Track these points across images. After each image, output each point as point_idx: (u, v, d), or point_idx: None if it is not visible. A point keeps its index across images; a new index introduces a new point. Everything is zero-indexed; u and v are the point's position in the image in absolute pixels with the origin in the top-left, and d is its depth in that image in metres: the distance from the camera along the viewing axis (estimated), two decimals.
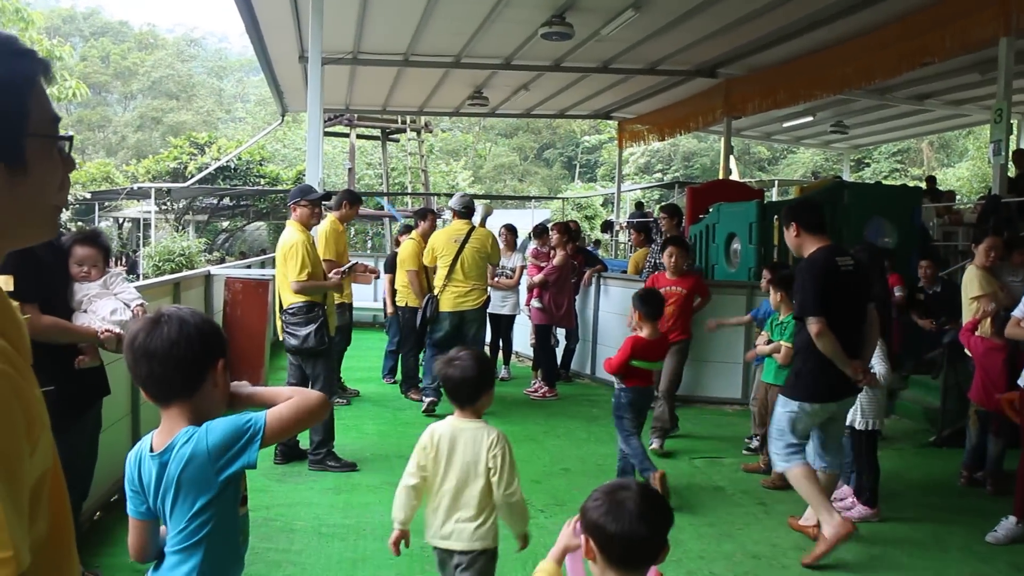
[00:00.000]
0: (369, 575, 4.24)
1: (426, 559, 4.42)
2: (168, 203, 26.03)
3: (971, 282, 6.14)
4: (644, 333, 5.42)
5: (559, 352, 9.73)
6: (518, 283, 9.43)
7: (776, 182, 24.17)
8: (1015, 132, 15.71)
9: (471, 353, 3.20)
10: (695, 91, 14.74)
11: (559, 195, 35.96)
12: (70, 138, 1.22)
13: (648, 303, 5.49)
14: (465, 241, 7.66)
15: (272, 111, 17.15)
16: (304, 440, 6.17)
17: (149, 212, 25.87)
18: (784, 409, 4.76)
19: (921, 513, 5.43)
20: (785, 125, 17.91)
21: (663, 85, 14.78)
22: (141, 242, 25.49)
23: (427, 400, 7.86)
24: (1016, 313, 4.98)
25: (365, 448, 6.61)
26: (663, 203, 20.07)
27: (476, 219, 8.29)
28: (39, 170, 1.14)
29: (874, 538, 4.95)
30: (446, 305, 7.70)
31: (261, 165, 28.07)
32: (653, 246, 8.84)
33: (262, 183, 26.71)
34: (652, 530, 1.91)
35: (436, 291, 7.78)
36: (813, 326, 4.52)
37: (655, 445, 6.67)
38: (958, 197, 16.60)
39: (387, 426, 7.46)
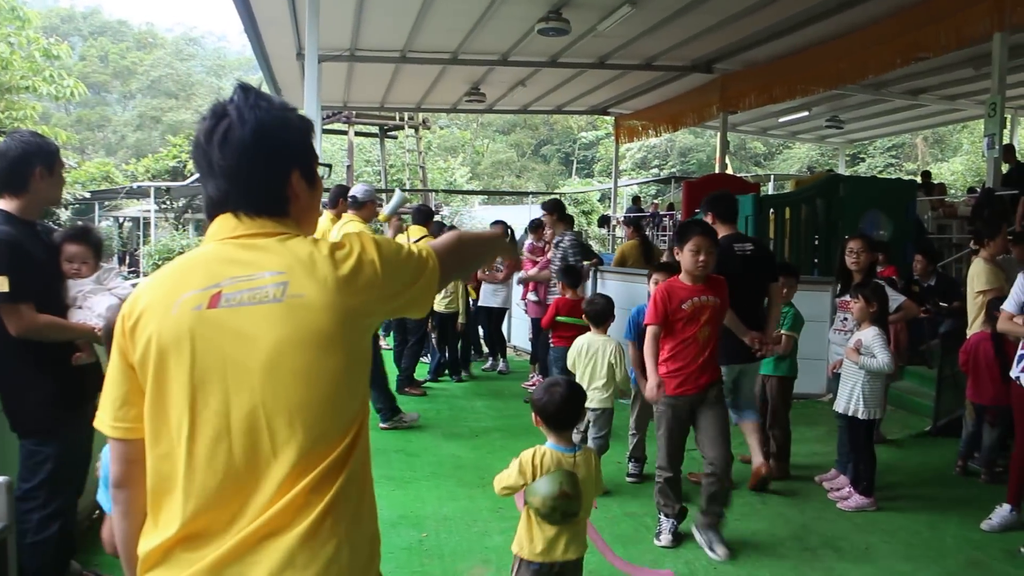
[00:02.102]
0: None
1: (424, 552, 4.48)
2: (168, 202, 26.08)
3: (978, 275, 6.13)
4: (568, 295, 7.46)
5: None
6: (508, 277, 9.48)
7: (772, 177, 24.20)
8: (1008, 126, 15.75)
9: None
10: (691, 86, 14.80)
11: (556, 191, 35.97)
12: (329, 165, 1.78)
13: (569, 275, 7.70)
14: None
15: None
16: None
17: (149, 211, 25.93)
18: None
19: (917, 502, 5.48)
20: (781, 120, 17.98)
21: (659, 81, 14.84)
22: (141, 241, 25.53)
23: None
24: (1007, 307, 4.99)
25: None
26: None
27: (387, 209, 8.23)
28: (319, 188, 1.76)
29: (871, 527, 5.00)
30: None
31: None
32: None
33: None
34: (572, 405, 3.31)
35: None
36: None
37: None
38: (951, 191, 16.63)
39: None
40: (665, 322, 4.55)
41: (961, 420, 6.40)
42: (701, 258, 4.46)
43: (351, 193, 7.34)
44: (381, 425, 7.18)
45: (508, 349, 10.82)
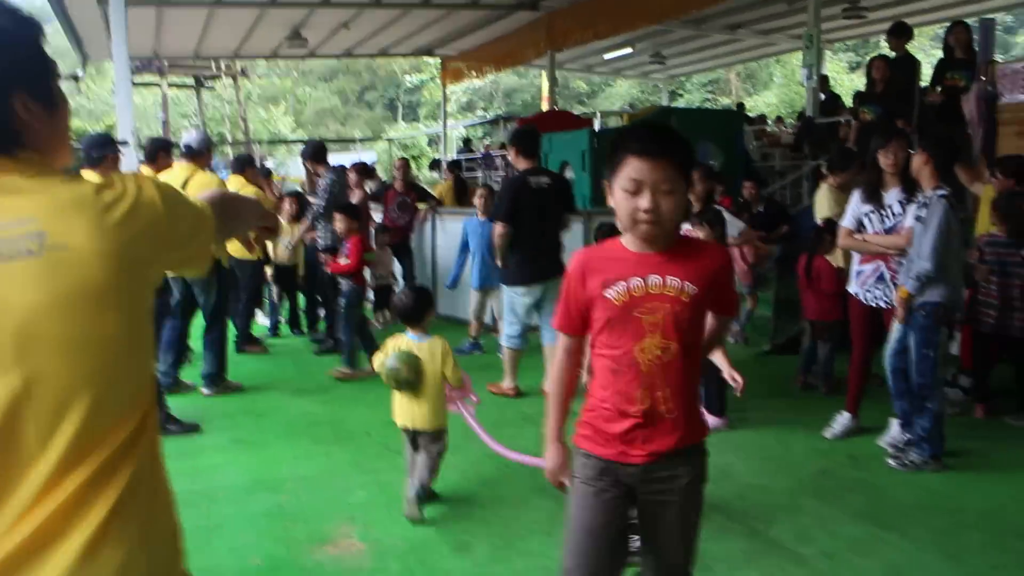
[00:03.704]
0: (227, 542, 3.96)
1: (286, 516, 4.27)
2: None
3: (822, 201, 6.38)
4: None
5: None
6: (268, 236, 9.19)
7: (598, 114, 24.59)
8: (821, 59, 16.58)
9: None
10: (517, 25, 14.70)
11: (382, 136, 35.38)
12: (76, 77, 1.59)
13: (348, 210, 7.34)
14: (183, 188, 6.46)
15: (71, 62, 15.97)
16: None
17: None
18: (506, 296, 6.31)
19: (766, 418, 5.71)
20: (606, 57, 18.18)
21: (485, 20, 14.65)
22: None
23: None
24: (845, 223, 5.22)
25: (207, 407, 6.30)
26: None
27: None
28: (63, 107, 1.41)
29: (726, 446, 5.13)
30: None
31: None
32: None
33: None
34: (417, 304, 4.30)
35: None
36: (497, 227, 6.09)
37: None
38: (769, 123, 17.41)
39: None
40: (580, 326, 2.33)
41: (799, 338, 6.72)
42: (645, 202, 2.08)
43: (184, 142, 6.81)
44: (204, 391, 6.73)
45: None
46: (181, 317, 6.67)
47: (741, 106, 18.25)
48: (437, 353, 4.17)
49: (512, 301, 6.26)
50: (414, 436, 4.24)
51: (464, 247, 8.02)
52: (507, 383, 6.47)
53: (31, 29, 1.33)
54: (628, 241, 2.19)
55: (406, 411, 4.21)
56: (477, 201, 8.00)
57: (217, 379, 6.78)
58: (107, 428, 1.25)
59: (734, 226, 5.96)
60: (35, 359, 1.19)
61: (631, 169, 2.06)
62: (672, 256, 2.16)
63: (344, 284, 7.17)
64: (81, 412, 1.21)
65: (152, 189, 1.33)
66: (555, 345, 4.79)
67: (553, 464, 2.38)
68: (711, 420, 5.45)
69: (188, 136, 6.87)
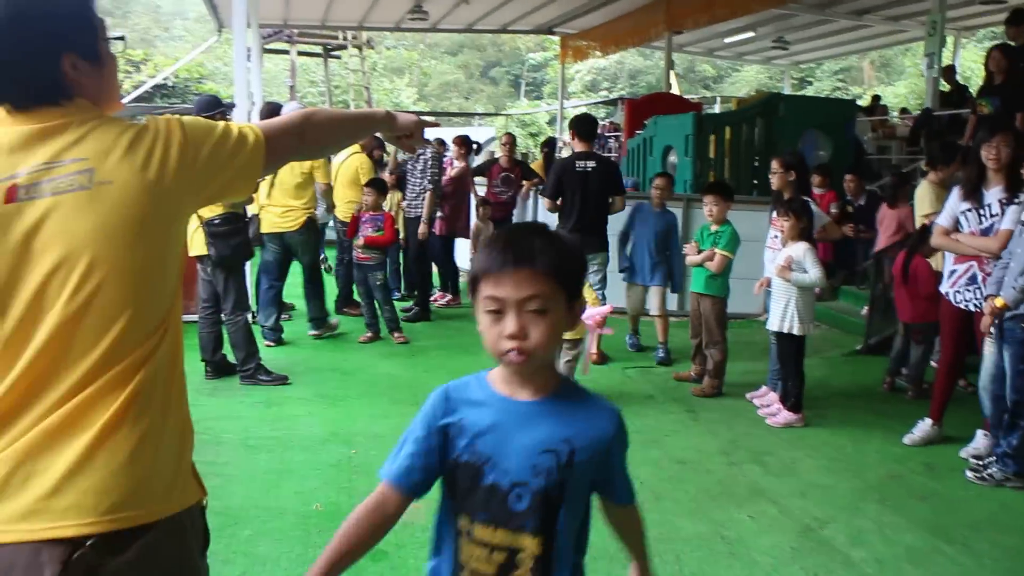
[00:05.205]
0: (294, 486, 4.21)
1: (352, 469, 4.45)
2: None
3: (923, 198, 6.12)
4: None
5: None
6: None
7: (718, 99, 24.09)
8: (949, 48, 15.76)
9: None
10: (637, 5, 14.51)
11: (502, 112, 35.50)
12: (121, 37, 1.73)
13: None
14: None
15: (211, 28, 16.69)
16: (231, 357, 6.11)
17: None
18: None
19: (844, 418, 5.56)
20: (727, 41, 17.77)
21: None
22: None
23: (265, 343, 6.97)
24: (940, 222, 5.00)
25: (298, 362, 6.57)
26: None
27: None
28: (110, 64, 1.58)
29: (797, 442, 5.06)
30: (266, 227, 7.11)
31: (200, 83, 27.24)
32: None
33: None
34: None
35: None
36: (545, 203, 7.02)
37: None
38: (892, 114, 16.67)
39: (320, 340, 7.41)
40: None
41: (892, 339, 6.50)
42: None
43: (286, 110, 7.10)
44: (312, 333, 7.44)
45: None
46: (278, 276, 7.12)
47: (876, 98, 17.52)
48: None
49: None
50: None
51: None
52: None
53: None
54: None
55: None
56: (653, 192, 7.19)
57: (321, 322, 7.48)
58: (137, 342, 1.45)
59: (818, 220, 5.79)
60: (94, 280, 1.40)
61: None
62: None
63: (374, 257, 7.30)
64: (120, 327, 1.42)
65: (179, 128, 1.52)
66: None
67: None
68: (786, 415, 5.37)
69: (288, 106, 7.20)
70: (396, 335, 7.41)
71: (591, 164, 6.71)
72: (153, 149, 1.47)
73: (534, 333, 1.50)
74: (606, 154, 18.64)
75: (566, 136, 20.73)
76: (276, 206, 7.00)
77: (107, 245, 1.40)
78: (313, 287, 7.39)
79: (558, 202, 6.79)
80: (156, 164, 1.46)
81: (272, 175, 6.87)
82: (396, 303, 7.86)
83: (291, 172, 6.89)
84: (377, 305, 7.41)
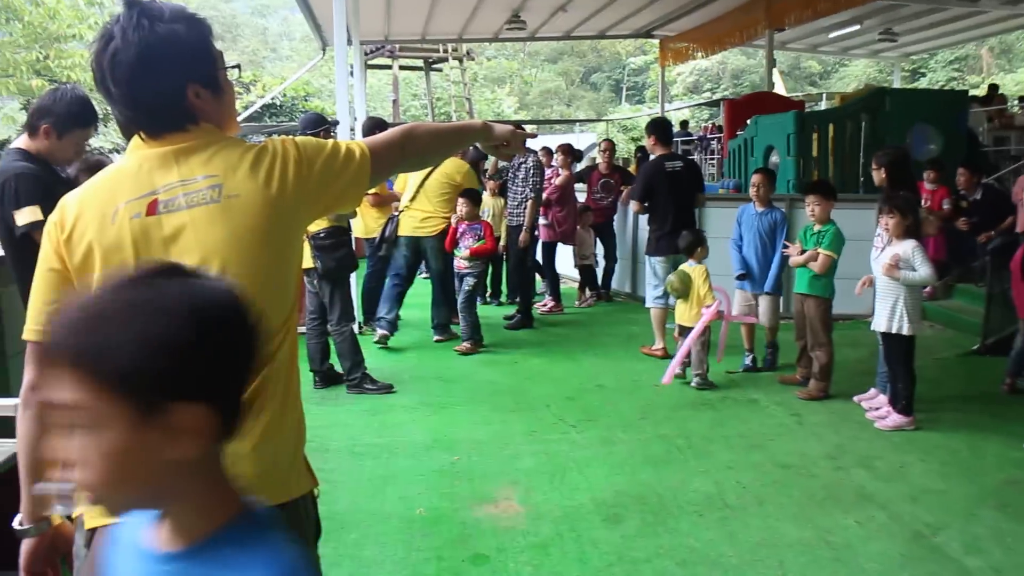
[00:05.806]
0: (399, 491, 4.31)
1: (455, 475, 4.53)
2: None
3: None
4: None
5: (599, 271, 9.77)
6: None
7: (823, 96, 23.47)
8: None
9: None
10: (736, 4, 14.28)
11: (603, 118, 35.42)
12: (237, 66, 1.82)
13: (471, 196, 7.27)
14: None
15: (316, 47, 17.22)
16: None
17: None
18: (648, 265, 7.14)
19: (959, 421, 5.36)
20: (831, 36, 17.26)
21: (702, 0, 14.37)
22: None
23: (379, 332, 7.44)
24: None
25: (403, 371, 6.70)
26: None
27: None
28: (228, 91, 1.73)
29: (907, 446, 4.90)
30: (404, 229, 7.42)
31: (306, 101, 28.10)
32: None
33: None
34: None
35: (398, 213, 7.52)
36: (633, 205, 7.59)
37: None
38: (1011, 102, 15.89)
39: (425, 349, 7.55)
40: None
41: (1012, 338, 6.22)
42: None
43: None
44: (436, 338, 7.75)
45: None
46: (406, 278, 7.58)
47: (994, 87, 16.77)
48: (698, 275, 6.17)
49: (654, 267, 7.04)
50: (684, 330, 6.20)
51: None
52: (657, 344, 7.10)
53: (201, 29, 1.66)
54: None
55: (681, 311, 6.26)
56: (751, 191, 6.85)
57: (445, 328, 7.82)
58: None
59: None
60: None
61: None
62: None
63: (474, 265, 7.34)
64: None
65: (293, 147, 1.68)
66: (656, 307, 6.54)
67: None
68: (895, 418, 5.21)
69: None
70: (466, 344, 7.37)
71: (679, 165, 7.17)
72: (273, 166, 1.63)
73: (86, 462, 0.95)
74: (708, 156, 18.47)
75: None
76: (417, 211, 7.35)
77: (236, 251, 1.55)
78: (443, 294, 7.68)
79: (645, 204, 7.22)
80: (277, 180, 1.62)
81: (421, 181, 7.27)
82: (496, 309, 7.93)
83: (439, 181, 7.25)
84: (460, 308, 7.42)
